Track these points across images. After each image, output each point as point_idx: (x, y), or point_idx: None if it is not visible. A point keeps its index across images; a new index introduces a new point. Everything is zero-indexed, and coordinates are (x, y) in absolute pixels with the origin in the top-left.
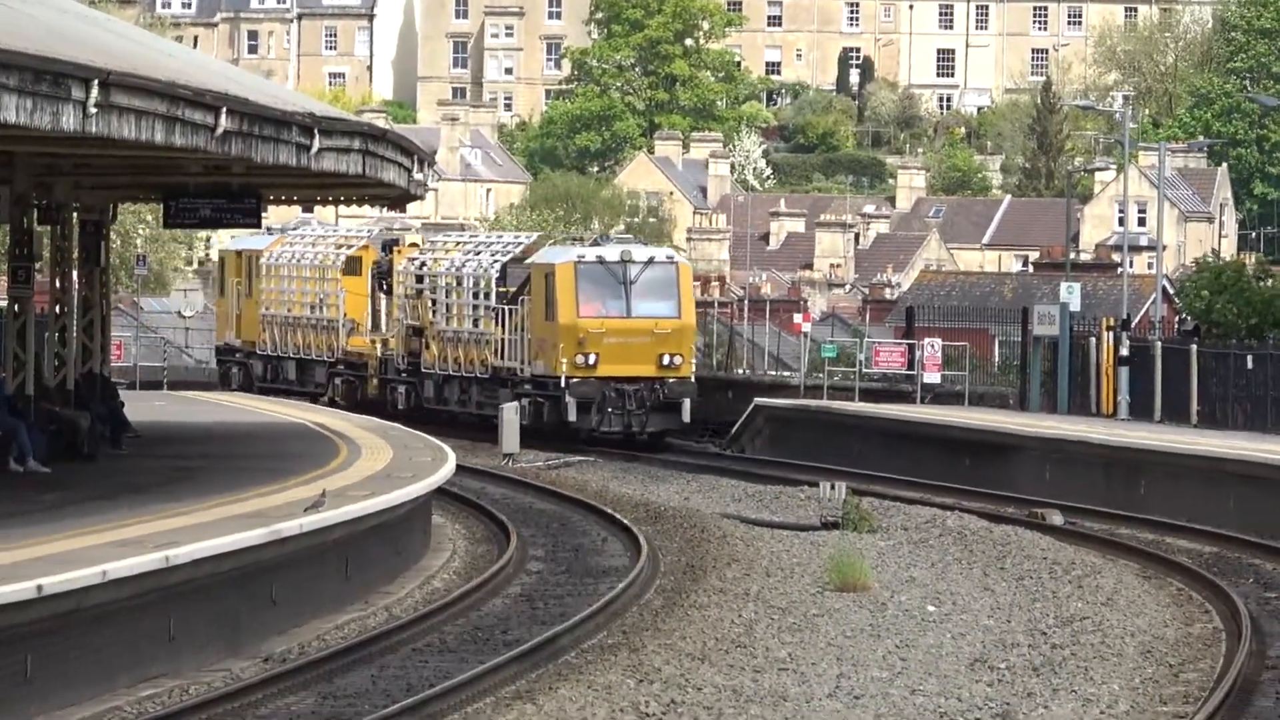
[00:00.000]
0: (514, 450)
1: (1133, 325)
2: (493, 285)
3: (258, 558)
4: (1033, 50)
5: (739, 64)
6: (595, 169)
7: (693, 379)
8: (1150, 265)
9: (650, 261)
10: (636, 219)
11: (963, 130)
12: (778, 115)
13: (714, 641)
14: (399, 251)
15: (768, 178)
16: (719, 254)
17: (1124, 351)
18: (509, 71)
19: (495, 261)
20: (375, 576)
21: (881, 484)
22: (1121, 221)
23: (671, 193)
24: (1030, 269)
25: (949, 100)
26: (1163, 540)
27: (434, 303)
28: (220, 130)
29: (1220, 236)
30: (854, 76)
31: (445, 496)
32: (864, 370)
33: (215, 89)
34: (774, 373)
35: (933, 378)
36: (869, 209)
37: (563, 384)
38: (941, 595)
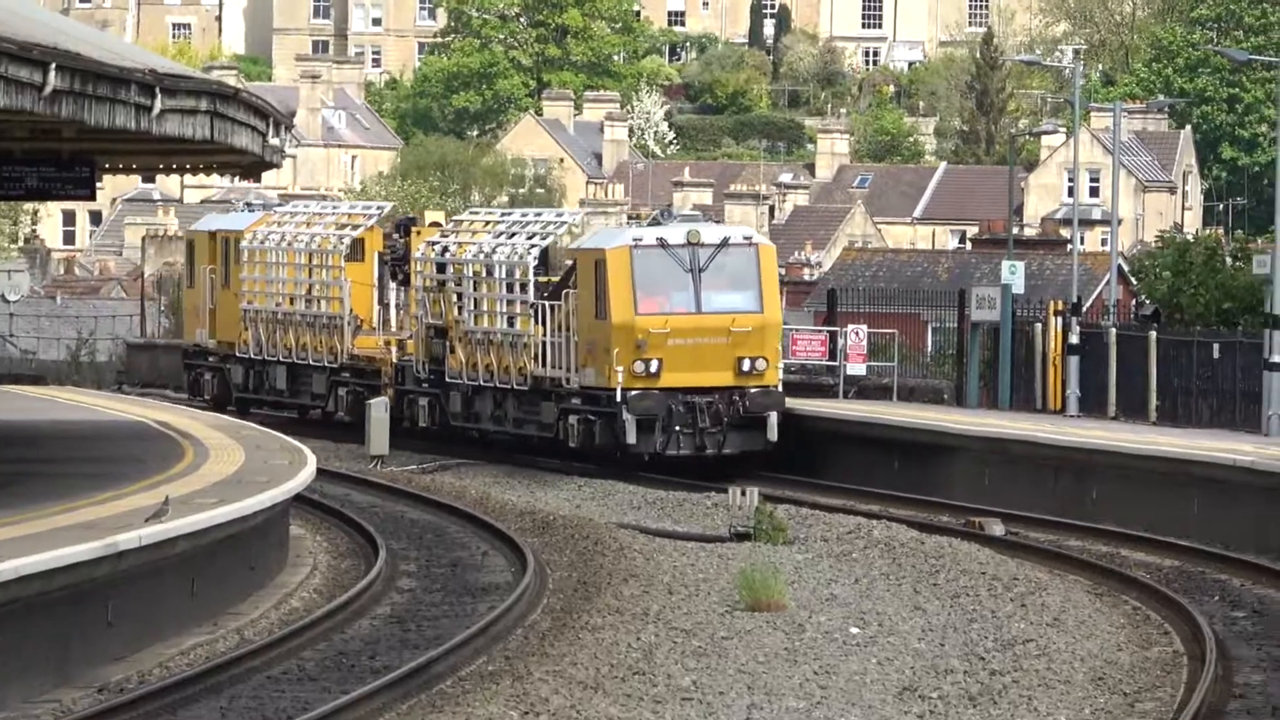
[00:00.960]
0: (383, 453)
1: (1084, 310)
2: (530, 275)
3: (91, 574)
4: None
5: (638, 14)
6: (475, 133)
7: (779, 387)
8: (1104, 241)
9: (724, 243)
10: (522, 189)
11: (892, 89)
12: (682, 72)
13: (609, 668)
14: (417, 233)
15: (671, 142)
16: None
17: (1074, 339)
18: (377, 23)
19: (533, 246)
20: (225, 595)
21: (799, 489)
22: (1071, 192)
23: (562, 159)
24: (968, 246)
25: (876, 55)
26: (1117, 553)
27: (459, 297)
28: (49, 89)
29: (1184, 208)
30: (768, 28)
31: (305, 505)
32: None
33: (43, 42)
34: None
35: (857, 369)
36: (785, 178)
37: (618, 397)
38: (866, 615)
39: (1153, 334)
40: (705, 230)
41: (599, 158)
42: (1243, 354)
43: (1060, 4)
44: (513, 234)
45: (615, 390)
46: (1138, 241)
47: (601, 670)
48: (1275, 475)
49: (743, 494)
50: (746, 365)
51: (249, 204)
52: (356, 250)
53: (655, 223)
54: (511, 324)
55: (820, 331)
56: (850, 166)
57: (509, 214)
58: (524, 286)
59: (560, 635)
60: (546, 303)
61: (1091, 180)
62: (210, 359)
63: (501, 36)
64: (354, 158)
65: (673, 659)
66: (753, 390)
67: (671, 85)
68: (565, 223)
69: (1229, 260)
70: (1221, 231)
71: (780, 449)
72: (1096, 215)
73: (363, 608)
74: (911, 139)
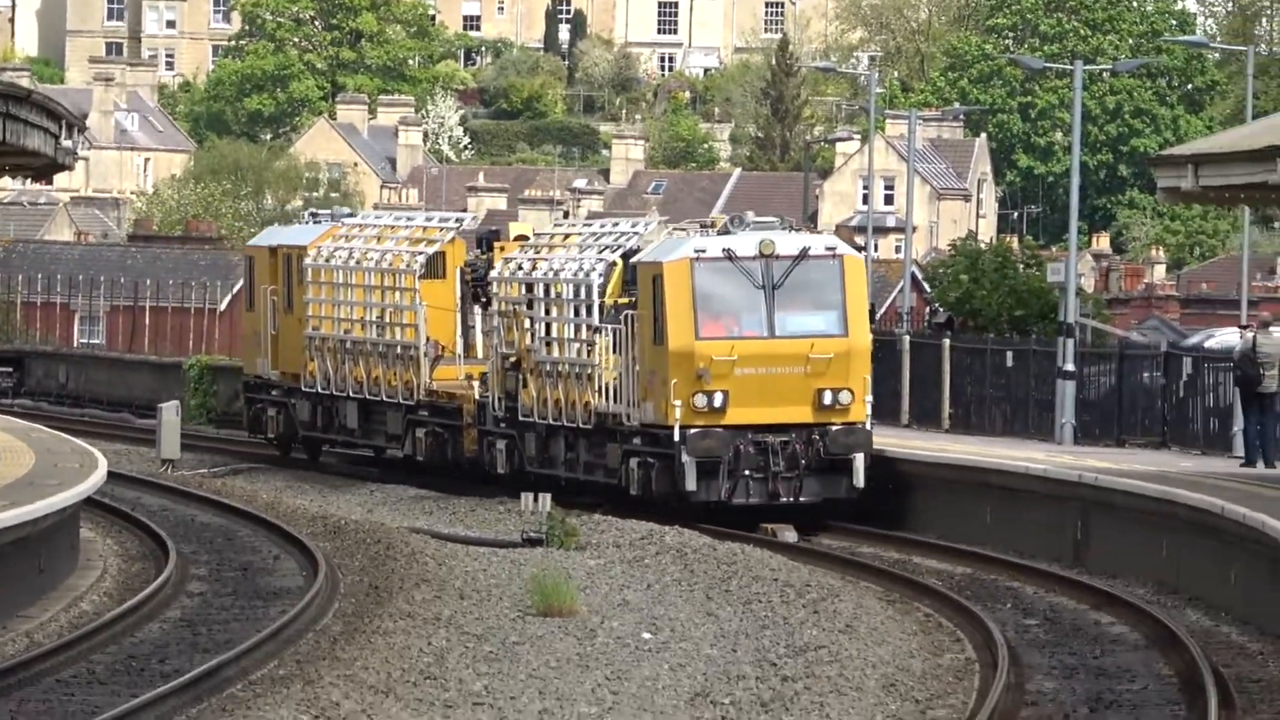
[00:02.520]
0: (174, 456)
1: (878, 317)
2: (594, 295)
3: None
4: (766, 4)
5: (433, 18)
6: (269, 136)
7: (868, 425)
8: (898, 249)
9: (803, 255)
10: (316, 193)
11: (687, 95)
12: (477, 77)
13: (400, 672)
14: (501, 248)
15: (465, 147)
16: None
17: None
18: (171, 25)
19: (601, 260)
20: (14, 598)
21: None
22: (866, 199)
23: (356, 164)
24: None
25: (671, 61)
26: (909, 560)
27: (531, 322)
28: None
29: (978, 216)
30: (564, 33)
31: (96, 508)
32: None
33: None
34: None
35: None
36: (580, 183)
37: (676, 436)
38: (658, 621)
39: (946, 341)
40: (780, 240)
41: (393, 162)
42: (1036, 362)
43: (856, 11)
44: (585, 246)
45: (673, 428)
46: (932, 249)
47: (393, 675)
48: (1067, 484)
49: (535, 500)
50: (828, 398)
51: (314, 214)
52: (436, 268)
53: (725, 231)
54: (578, 353)
55: None
56: (645, 172)
57: (590, 224)
58: (589, 309)
59: (352, 639)
60: (610, 326)
61: (886, 187)
62: (273, 393)
63: (296, 40)
64: (147, 160)
65: (464, 664)
66: (835, 428)
67: (466, 90)
68: (638, 234)
69: (1020, 267)
70: (1015, 239)
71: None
72: (891, 223)
73: (153, 611)
74: (706, 145)
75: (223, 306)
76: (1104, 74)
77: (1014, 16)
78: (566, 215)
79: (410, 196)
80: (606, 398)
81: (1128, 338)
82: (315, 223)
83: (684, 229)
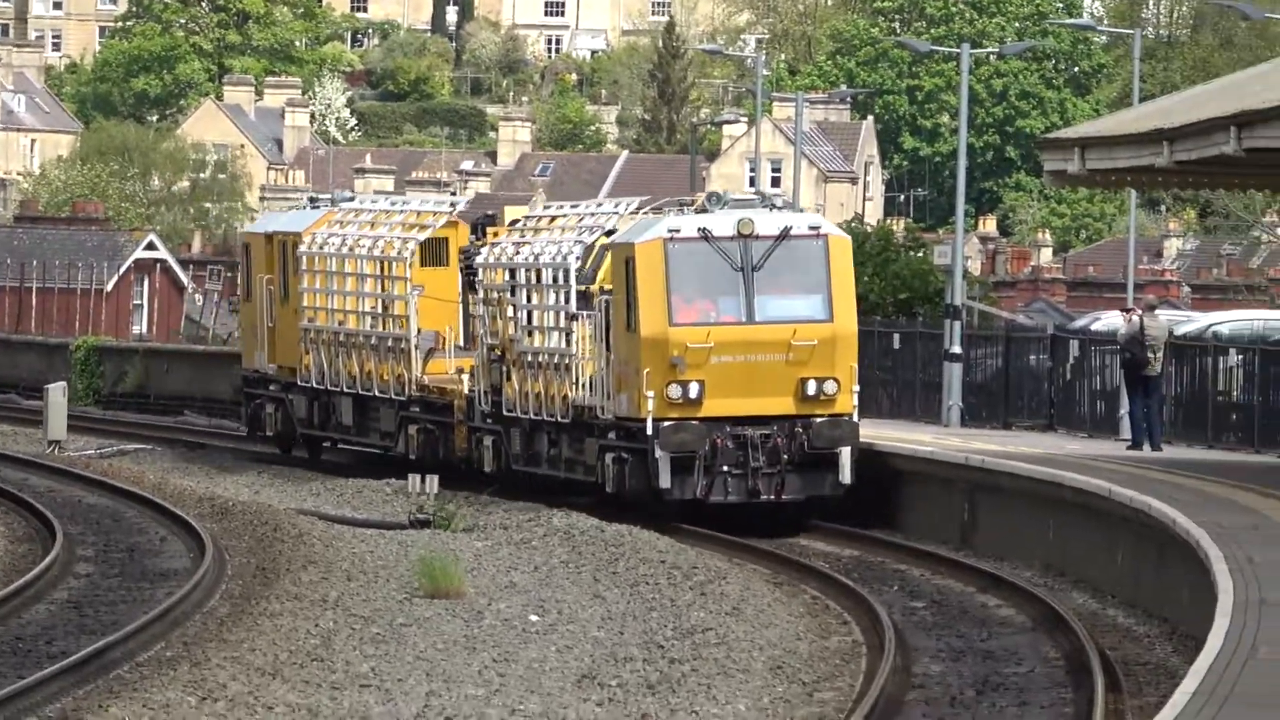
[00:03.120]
0: (60, 437)
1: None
2: (570, 279)
3: None
4: None
5: (320, 0)
6: (156, 117)
7: (854, 417)
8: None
9: (784, 235)
10: (203, 175)
11: (574, 77)
12: (364, 58)
13: (288, 654)
14: (494, 233)
15: (352, 129)
16: None
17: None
18: (58, 6)
19: (578, 242)
20: None
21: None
22: (753, 182)
23: (243, 145)
24: None
25: (559, 43)
26: (796, 543)
27: (514, 309)
28: None
29: (865, 199)
30: (451, 15)
31: None
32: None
33: None
34: None
35: None
36: (467, 165)
37: (649, 429)
38: (546, 603)
39: None
40: (760, 219)
41: (280, 144)
42: (922, 344)
43: None
44: (569, 230)
45: (645, 420)
46: None
47: (280, 657)
48: (954, 466)
49: (423, 481)
50: (812, 388)
51: (313, 199)
52: (439, 255)
53: (702, 210)
54: (556, 342)
55: None
56: (532, 154)
57: (577, 205)
58: (567, 295)
59: (239, 621)
60: (586, 314)
61: (773, 170)
62: (270, 388)
63: (182, 21)
64: (33, 141)
65: (351, 645)
66: (819, 420)
67: (354, 72)
68: (617, 214)
69: (903, 251)
70: (902, 221)
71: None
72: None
73: (40, 592)
74: (594, 127)
75: (109, 287)
76: (991, 56)
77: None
78: (454, 197)
79: (297, 178)
80: (584, 390)
81: (1014, 320)
82: (314, 208)
83: (660, 208)
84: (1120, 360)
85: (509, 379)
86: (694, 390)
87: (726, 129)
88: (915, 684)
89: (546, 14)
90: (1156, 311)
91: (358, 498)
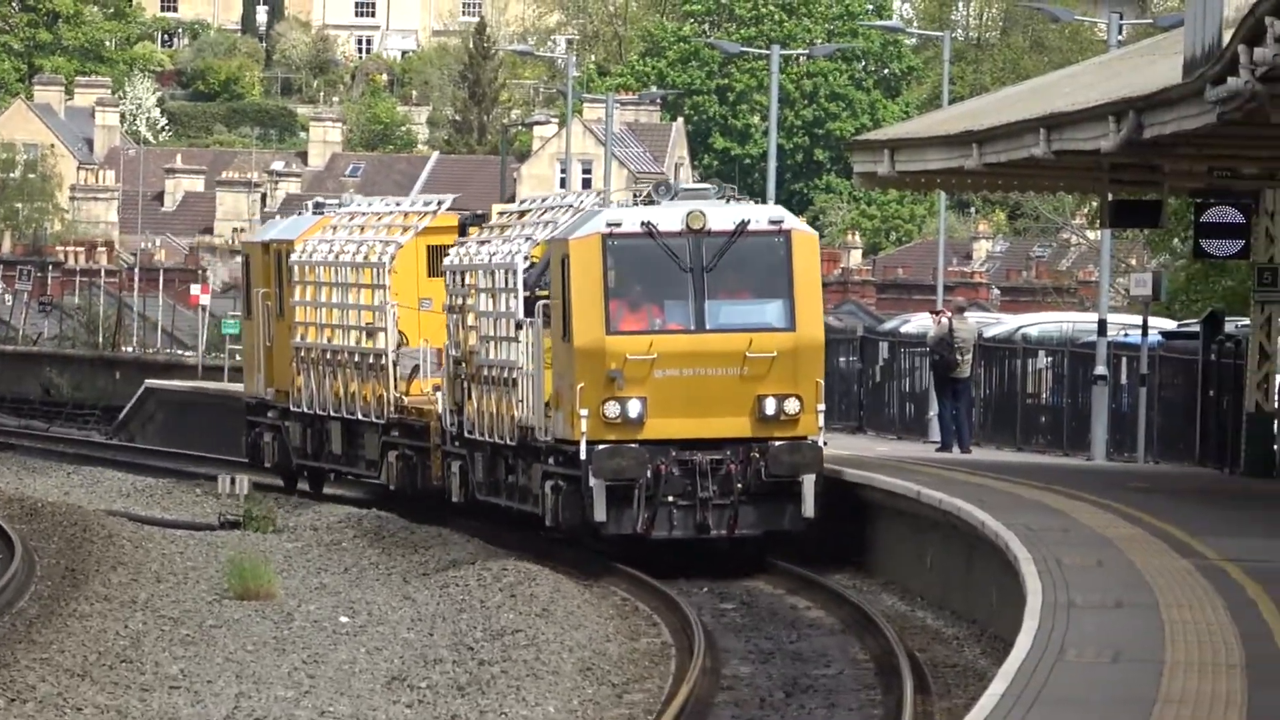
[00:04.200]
0: None
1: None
2: (519, 282)
3: None
4: None
5: (131, 0)
6: None
7: (820, 441)
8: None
9: (742, 230)
10: (13, 175)
11: (385, 77)
12: (174, 58)
13: (97, 656)
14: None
15: (163, 129)
16: (107, 215)
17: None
18: None
19: (528, 239)
20: None
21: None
22: (564, 183)
23: (53, 145)
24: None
25: (369, 43)
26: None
27: (474, 317)
28: None
29: None
30: (261, 15)
31: None
32: None
33: None
34: (169, 351)
35: None
36: (278, 165)
37: (583, 453)
38: (356, 604)
39: None
40: (713, 212)
41: (90, 143)
42: None
43: None
44: (529, 227)
45: (580, 443)
46: None
47: (89, 658)
48: None
49: (233, 482)
50: (770, 407)
51: (318, 204)
52: (441, 263)
53: (649, 201)
54: (503, 353)
55: None
56: (343, 155)
57: (546, 198)
58: (514, 299)
59: (48, 622)
60: (527, 320)
61: (584, 171)
62: (269, 415)
63: None
64: None
65: (161, 647)
66: (778, 444)
67: (164, 72)
68: (569, 205)
69: None
70: None
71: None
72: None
73: None
74: (404, 128)
75: None
76: (800, 57)
77: (711, 1)
78: (264, 199)
79: (107, 178)
80: (528, 408)
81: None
82: (316, 213)
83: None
84: (929, 362)
85: (469, 396)
86: (634, 409)
87: (537, 130)
88: (724, 686)
89: (357, 14)
90: (965, 314)
91: (168, 498)
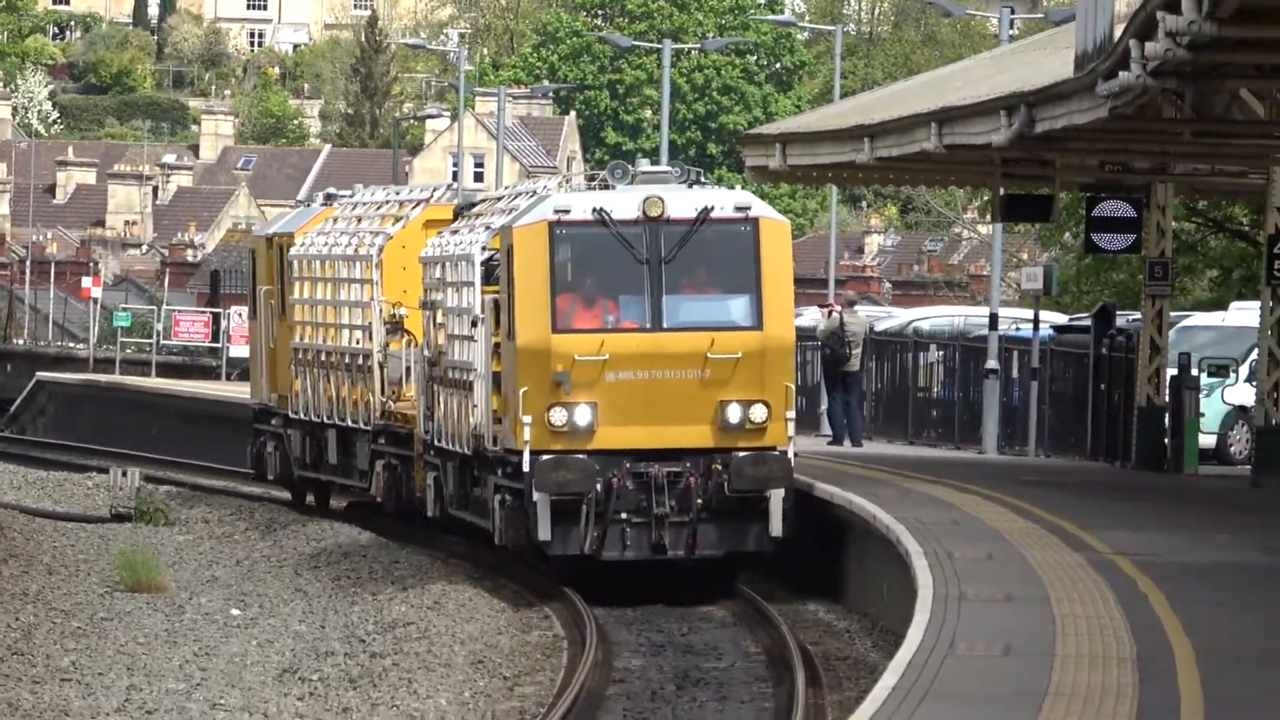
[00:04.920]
0: None
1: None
2: (476, 274)
3: None
4: None
5: None
6: None
7: (789, 451)
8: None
9: (705, 217)
10: None
11: (277, 71)
12: (66, 51)
13: None
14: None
15: (55, 121)
16: None
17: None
18: None
19: (488, 228)
20: None
21: (181, 471)
22: (456, 176)
23: None
24: None
25: (261, 36)
26: None
27: (443, 314)
28: None
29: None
30: (153, 8)
31: None
32: (162, 342)
33: None
34: (60, 344)
35: (240, 351)
36: (169, 159)
37: (525, 465)
38: (248, 597)
39: None
40: (673, 197)
41: None
42: None
43: None
44: (491, 213)
45: (523, 454)
46: None
47: None
48: None
49: (124, 475)
50: (734, 414)
51: (329, 195)
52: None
53: (605, 185)
54: (462, 353)
55: (204, 313)
56: (234, 148)
57: (526, 184)
58: (471, 293)
59: None
60: (480, 316)
61: (476, 165)
62: (273, 422)
63: None
64: None
65: (52, 640)
66: (743, 455)
67: (56, 65)
68: (533, 191)
69: None
70: None
71: (160, 430)
72: (480, 198)
73: None
74: (296, 121)
75: None
76: (692, 52)
77: None
78: (156, 192)
79: None
80: (480, 414)
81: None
82: (325, 205)
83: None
84: (820, 356)
85: (438, 401)
86: (583, 416)
87: (429, 123)
88: (616, 678)
89: (249, 8)
90: (856, 307)
91: (59, 490)
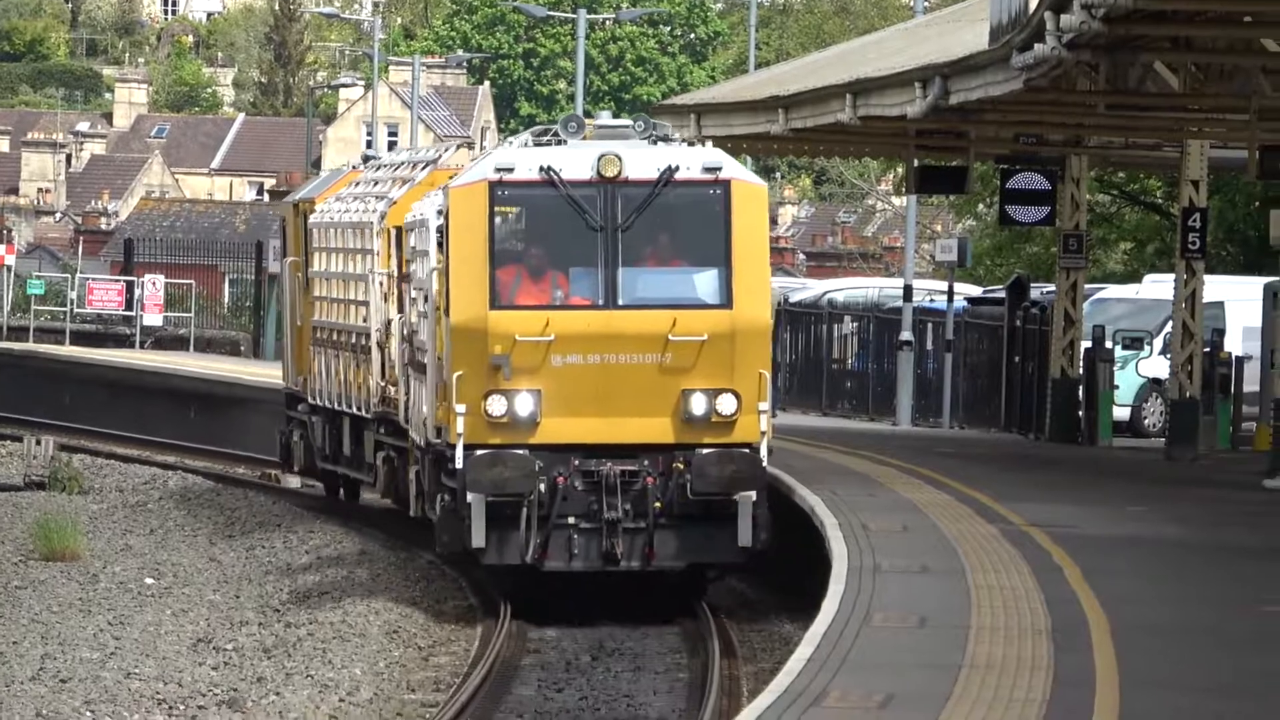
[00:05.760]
0: None
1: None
2: (431, 243)
3: None
4: None
5: None
6: None
7: (762, 449)
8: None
9: (668, 178)
10: None
11: (191, 39)
12: None
13: None
14: None
15: None
16: None
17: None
18: None
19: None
20: None
21: (95, 439)
22: (370, 145)
23: None
24: (266, 198)
25: (175, 5)
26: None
27: (415, 286)
28: None
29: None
30: None
31: None
32: (76, 310)
33: None
34: None
35: (154, 319)
36: (83, 126)
37: (458, 461)
38: (162, 566)
39: None
40: (633, 155)
41: None
42: None
43: None
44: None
45: (455, 448)
46: None
47: None
48: None
49: (38, 443)
50: (699, 406)
51: (366, 157)
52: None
53: (556, 138)
54: (421, 330)
55: (118, 281)
56: (148, 116)
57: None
58: (426, 265)
59: None
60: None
61: (390, 134)
62: (299, 408)
63: None
64: None
65: None
66: (707, 452)
67: None
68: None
69: None
70: None
71: (74, 399)
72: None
73: None
74: (210, 90)
75: None
76: (607, 22)
77: None
78: (69, 160)
79: None
80: (432, 401)
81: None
82: (362, 166)
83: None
84: None
85: (411, 385)
86: (524, 405)
87: (343, 93)
88: (531, 649)
89: None
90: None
91: None
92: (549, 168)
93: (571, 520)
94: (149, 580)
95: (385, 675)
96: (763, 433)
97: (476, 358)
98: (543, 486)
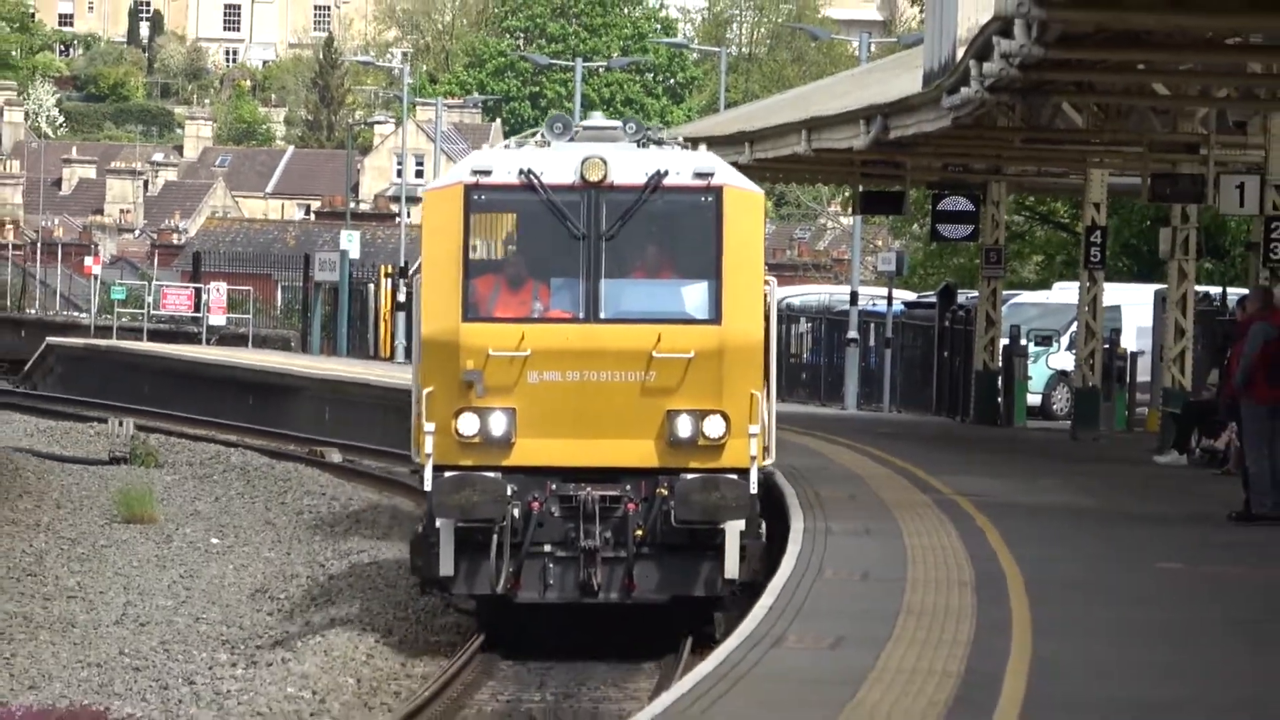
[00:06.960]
0: None
1: (410, 273)
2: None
3: None
4: (315, 7)
5: (33, 15)
6: None
7: (752, 474)
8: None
9: (656, 184)
10: None
11: (248, 83)
12: (71, 66)
13: (5, 570)
14: None
15: (60, 125)
16: (13, 199)
17: (401, 298)
18: None
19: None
20: None
21: (168, 421)
22: (400, 173)
23: None
24: (312, 217)
25: (235, 54)
26: None
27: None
28: None
29: None
30: (144, 29)
31: None
32: (152, 312)
33: None
34: (66, 313)
35: (218, 320)
36: (158, 157)
37: (427, 483)
38: (225, 528)
39: None
40: (619, 159)
41: None
42: None
43: (391, 14)
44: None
45: (424, 470)
46: None
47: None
48: None
49: (120, 424)
50: (685, 428)
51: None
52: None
53: (544, 141)
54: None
55: (187, 288)
56: (213, 149)
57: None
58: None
59: None
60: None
61: (417, 164)
62: None
63: None
64: None
65: (60, 563)
66: (691, 477)
67: (61, 77)
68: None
69: None
70: None
71: (151, 387)
72: (420, 193)
73: None
74: (265, 126)
75: None
76: (600, 69)
77: (525, 20)
78: (146, 185)
79: (13, 167)
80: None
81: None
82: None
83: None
84: None
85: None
86: (498, 424)
87: (377, 128)
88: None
89: (225, 29)
90: None
91: (65, 438)
92: (529, 170)
93: (547, 548)
94: (214, 540)
95: (413, 620)
96: (753, 457)
97: (447, 372)
98: (516, 512)
